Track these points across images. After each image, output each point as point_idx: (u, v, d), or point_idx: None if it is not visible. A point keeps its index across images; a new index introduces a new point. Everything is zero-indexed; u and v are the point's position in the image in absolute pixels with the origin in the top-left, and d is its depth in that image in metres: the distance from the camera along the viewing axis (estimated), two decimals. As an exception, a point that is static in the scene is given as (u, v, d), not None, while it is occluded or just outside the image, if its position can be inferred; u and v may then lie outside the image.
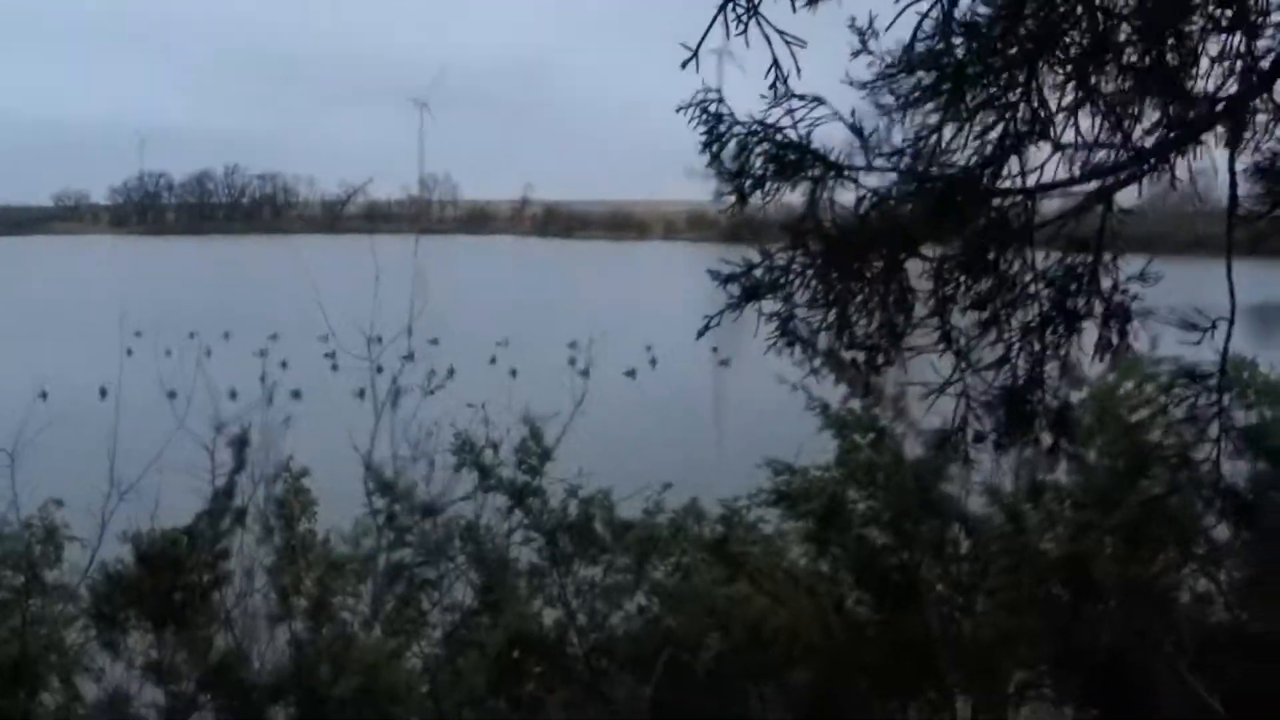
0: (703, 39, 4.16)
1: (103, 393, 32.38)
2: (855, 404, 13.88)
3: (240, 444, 13.92)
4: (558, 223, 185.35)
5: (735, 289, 4.45)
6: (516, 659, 13.02)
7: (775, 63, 4.23)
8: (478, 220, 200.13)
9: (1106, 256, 4.66)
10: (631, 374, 58.35)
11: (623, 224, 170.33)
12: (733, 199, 4.42)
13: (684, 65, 4.20)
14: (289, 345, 54.97)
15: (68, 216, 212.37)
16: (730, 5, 4.17)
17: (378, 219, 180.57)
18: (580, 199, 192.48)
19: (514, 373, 47.34)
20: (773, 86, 4.28)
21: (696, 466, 22.01)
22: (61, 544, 13.02)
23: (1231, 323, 4.76)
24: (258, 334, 58.49)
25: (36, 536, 12.90)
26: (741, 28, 4.16)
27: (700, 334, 4.59)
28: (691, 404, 46.64)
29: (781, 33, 4.17)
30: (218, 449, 14.04)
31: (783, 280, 4.38)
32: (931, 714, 13.78)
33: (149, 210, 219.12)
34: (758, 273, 4.39)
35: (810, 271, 4.37)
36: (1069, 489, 14.17)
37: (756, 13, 4.15)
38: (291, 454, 14.42)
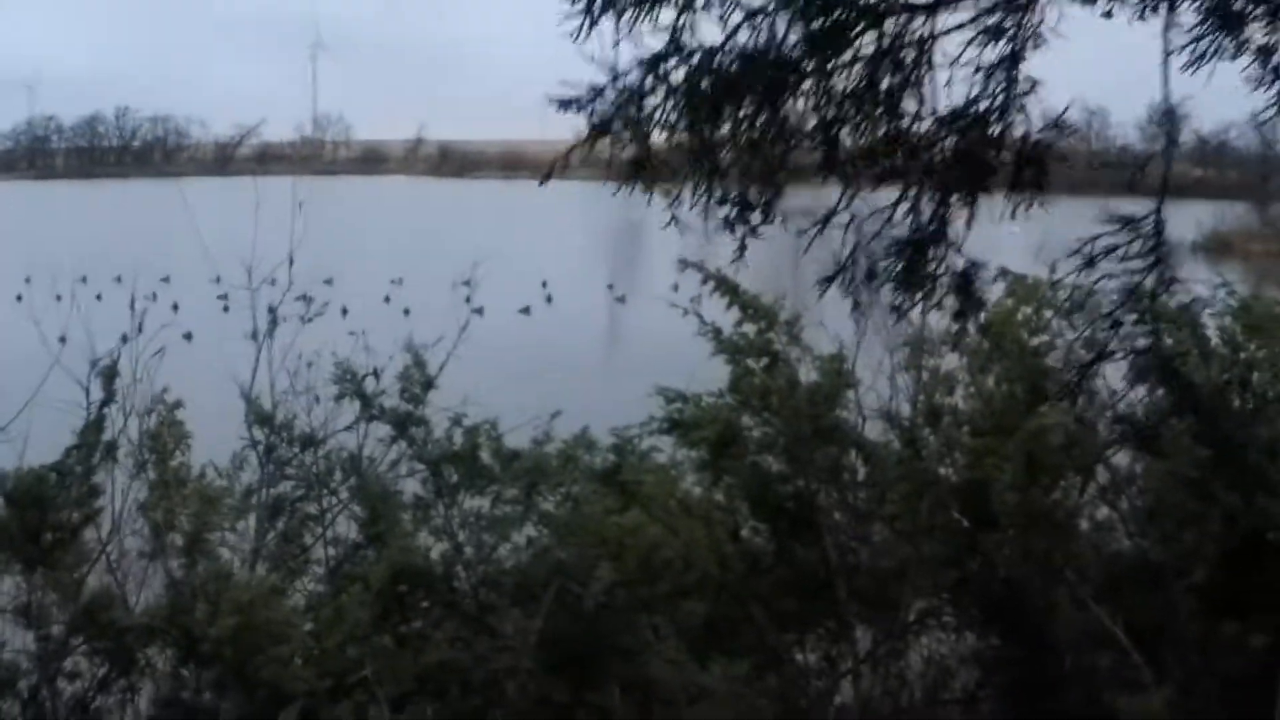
0: None
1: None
2: (749, 328, 13.65)
3: (109, 375, 13.39)
4: (452, 163, 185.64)
5: (582, 121, 3.99)
6: (402, 593, 12.69)
7: None
8: (372, 161, 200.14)
9: (1020, 86, 4.27)
10: (526, 311, 58.48)
11: (516, 163, 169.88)
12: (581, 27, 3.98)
13: None
14: (181, 288, 54.32)
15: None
16: None
17: (271, 160, 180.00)
18: (474, 138, 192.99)
19: (407, 311, 46.82)
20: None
21: (590, 399, 21.77)
22: None
23: (1167, 167, 4.41)
24: (150, 277, 57.52)
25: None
26: None
27: (544, 180, 4.15)
28: (587, 339, 46.79)
29: None
30: (93, 386, 13.53)
31: (638, 116, 3.92)
32: (830, 644, 13.61)
33: (38, 155, 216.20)
34: (606, 98, 3.94)
35: (671, 106, 3.93)
36: (968, 414, 14.05)
37: None
38: (166, 386, 13.96)
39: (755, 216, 4.21)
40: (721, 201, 4.18)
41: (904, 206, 4.31)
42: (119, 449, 13.35)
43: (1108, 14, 4.47)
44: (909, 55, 4.10)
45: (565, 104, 3.94)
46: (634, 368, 30.79)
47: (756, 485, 13.43)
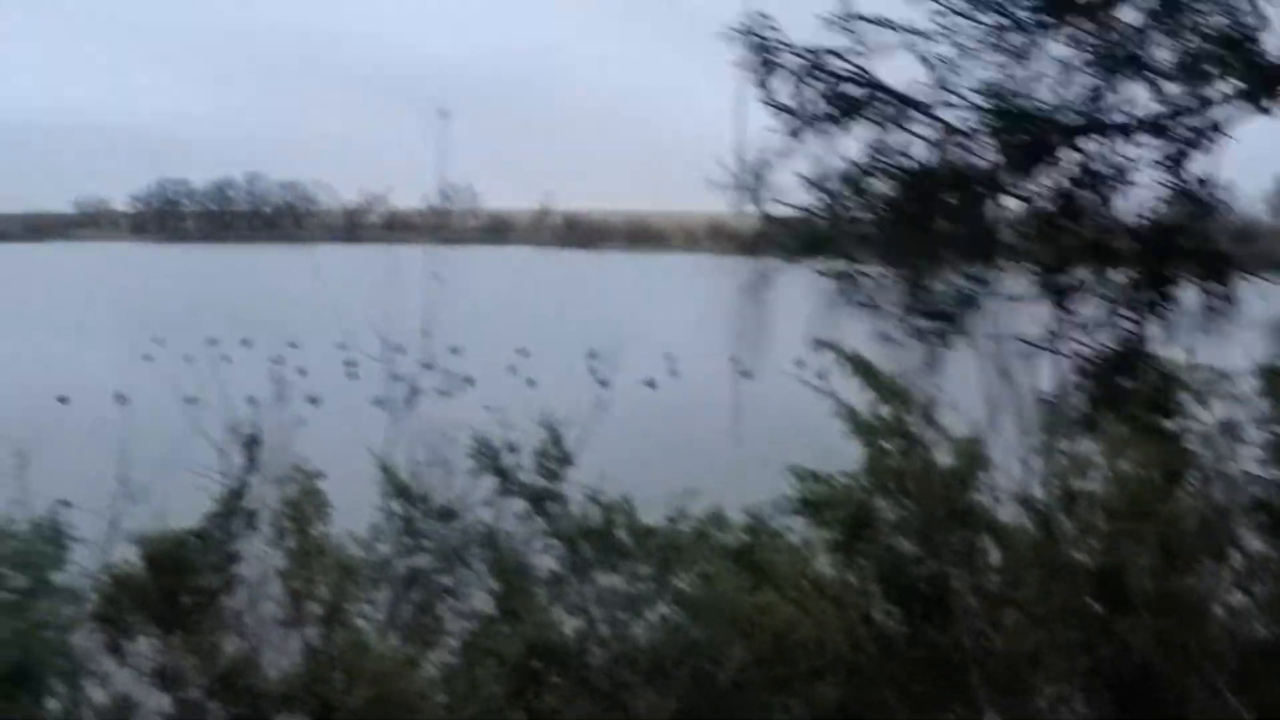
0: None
1: (120, 398, 32.40)
2: (884, 409, 13.61)
3: (251, 444, 13.59)
4: (578, 233, 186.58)
5: (792, 243, 4.03)
6: (535, 669, 12.72)
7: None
8: (498, 230, 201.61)
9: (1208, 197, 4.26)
10: (651, 384, 58.55)
11: (642, 235, 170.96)
12: (787, 137, 4.02)
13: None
14: (309, 353, 55.09)
15: (88, 223, 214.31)
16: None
17: (398, 228, 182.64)
18: (600, 209, 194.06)
19: (531, 382, 47.15)
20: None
21: (719, 475, 21.76)
22: (65, 545, 12.64)
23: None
24: (277, 341, 58.32)
25: (43, 536, 12.57)
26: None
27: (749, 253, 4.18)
28: (713, 413, 46.67)
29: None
30: (230, 451, 13.73)
31: (845, 233, 3.96)
32: (961, 729, 13.49)
33: (169, 217, 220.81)
34: (818, 223, 3.98)
35: (877, 222, 3.96)
36: (1103, 498, 13.90)
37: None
38: (306, 457, 14.13)
39: (951, 329, 4.23)
40: (923, 315, 4.20)
41: (1099, 318, 4.31)
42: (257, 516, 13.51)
43: (1265, 110, 4.47)
44: (1104, 171, 4.12)
45: (777, 222, 4.00)
46: (759, 442, 30.67)
47: (889, 567, 13.33)
